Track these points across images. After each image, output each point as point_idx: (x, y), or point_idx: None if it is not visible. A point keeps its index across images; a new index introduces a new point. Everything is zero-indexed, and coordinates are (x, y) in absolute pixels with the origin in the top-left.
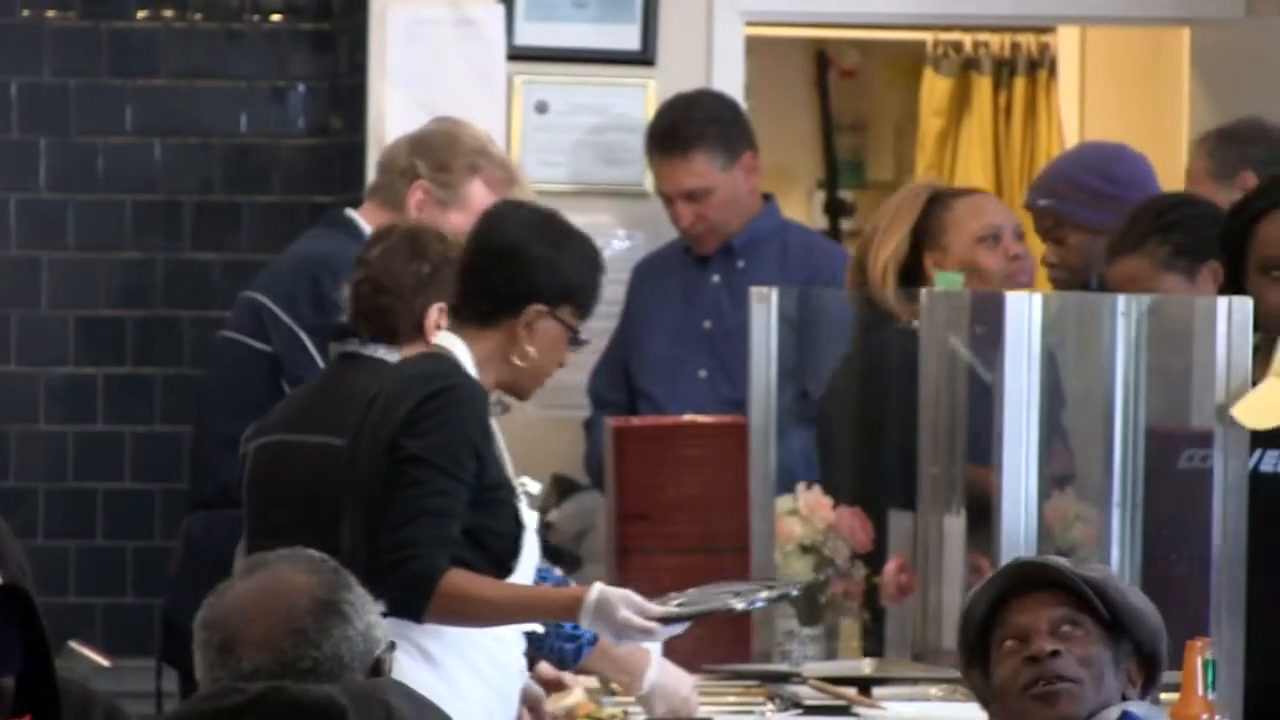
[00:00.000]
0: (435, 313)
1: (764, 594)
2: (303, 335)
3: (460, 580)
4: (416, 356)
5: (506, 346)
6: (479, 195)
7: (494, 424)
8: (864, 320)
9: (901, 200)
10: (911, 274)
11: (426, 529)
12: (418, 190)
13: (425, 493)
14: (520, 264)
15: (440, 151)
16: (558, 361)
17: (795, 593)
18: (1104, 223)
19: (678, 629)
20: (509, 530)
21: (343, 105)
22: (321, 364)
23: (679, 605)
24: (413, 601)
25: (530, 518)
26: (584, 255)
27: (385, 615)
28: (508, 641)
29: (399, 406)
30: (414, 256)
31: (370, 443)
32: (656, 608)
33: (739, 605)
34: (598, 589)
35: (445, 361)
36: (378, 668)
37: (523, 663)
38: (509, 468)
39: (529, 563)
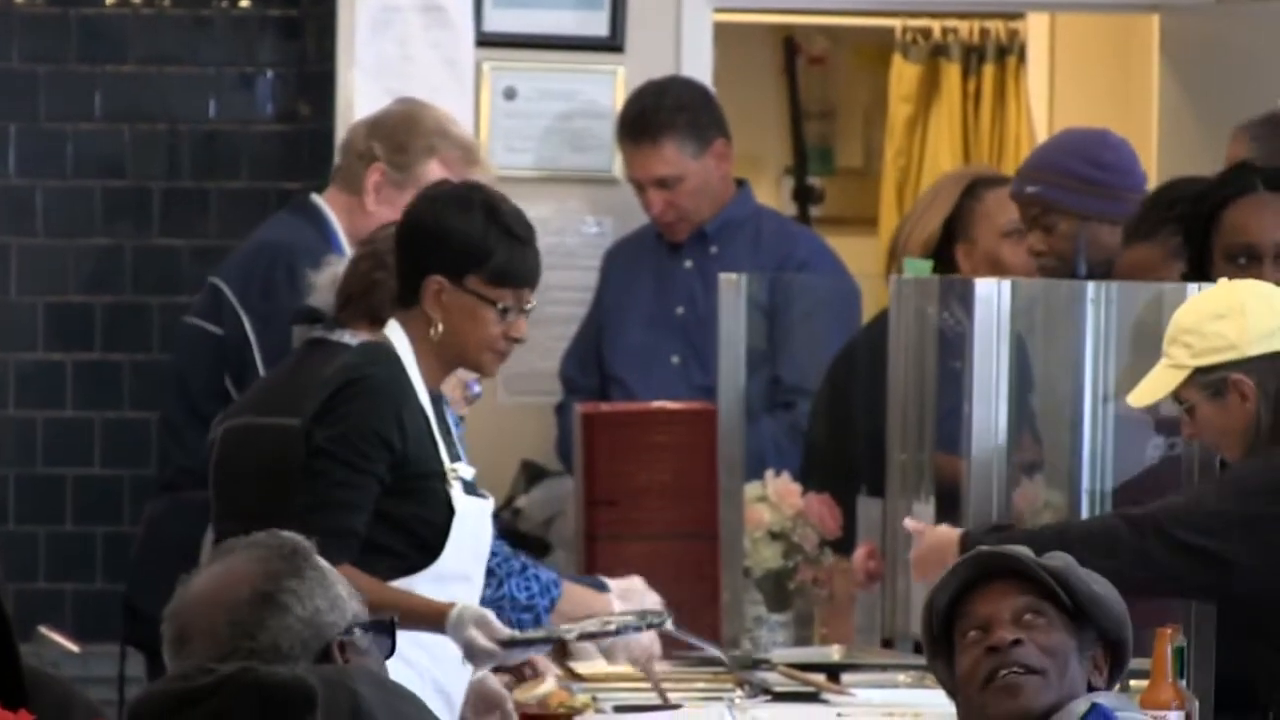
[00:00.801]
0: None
1: (616, 623)
2: (246, 322)
3: (349, 580)
4: (356, 345)
5: (423, 327)
6: (435, 176)
7: (448, 412)
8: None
9: (940, 187)
10: (944, 262)
11: (321, 521)
12: (374, 173)
13: (325, 484)
14: (413, 240)
15: (398, 133)
16: (488, 334)
17: (649, 626)
18: (1092, 209)
19: (521, 654)
20: (438, 517)
21: (311, 92)
22: (259, 351)
23: (523, 635)
24: None
25: (465, 502)
26: (484, 221)
27: None
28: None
29: (318, 396)
30: None
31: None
32: (505, 631)
33: (571, 634)
34: (458, 608)
35: (374, 351)
36: (328, 652)
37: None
38: (444, 454)
39: (465, 547)
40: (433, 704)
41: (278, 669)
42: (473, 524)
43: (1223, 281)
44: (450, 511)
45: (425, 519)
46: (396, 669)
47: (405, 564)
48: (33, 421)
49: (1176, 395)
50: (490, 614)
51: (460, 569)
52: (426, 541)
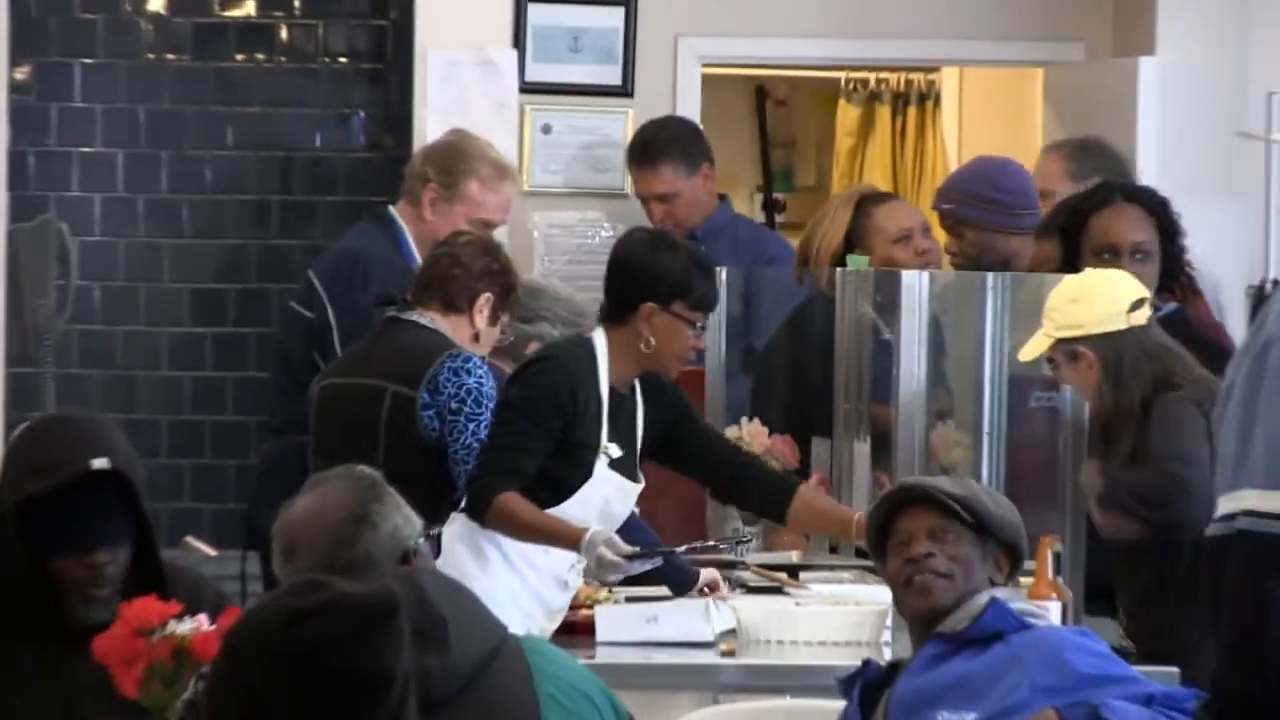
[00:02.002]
0: (483, 300)
1: (701, 544)
2: (329, 309)
3: (509, 503)
4: (561, 335)
5: (634, 339)
6: (475, 192)
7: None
8: (806, 294)
9: (837, 205)
10: (844, 263)
11: (495, 458)
12: (429, 191)
13: (508, 431)
14: (629, 272)
15: (445, 159)
16: (684, 346)
17: (723, 547)
18: (991, 223)
19: (638, 566)
20: (577, 477)
21: (393, 128)
22: (338, 333)
23: (642, 550)
24: (474, 511)
25: (604, 473)
26: (680, 259)
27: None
28: (555, 553)
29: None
30: (487, 254)
31: None
32: (627, 548)
33: (679, 550)
34: (592, 530)
35: (574, 341)
36: (406, 558)
37: (570, 574)
38: (604, 433)
39: (591, 506)
40: (533, 608)
41: (370, 590)
42: (605, 491)
43: (1086, 270)
44: (588, 476)
45: (566, 475)
46: (511, 582)
47: (538, 501)
48: (180, 379)
49: (1048, 356)
50: (615, 536)
51: (584, 521)
52: (559, 491)
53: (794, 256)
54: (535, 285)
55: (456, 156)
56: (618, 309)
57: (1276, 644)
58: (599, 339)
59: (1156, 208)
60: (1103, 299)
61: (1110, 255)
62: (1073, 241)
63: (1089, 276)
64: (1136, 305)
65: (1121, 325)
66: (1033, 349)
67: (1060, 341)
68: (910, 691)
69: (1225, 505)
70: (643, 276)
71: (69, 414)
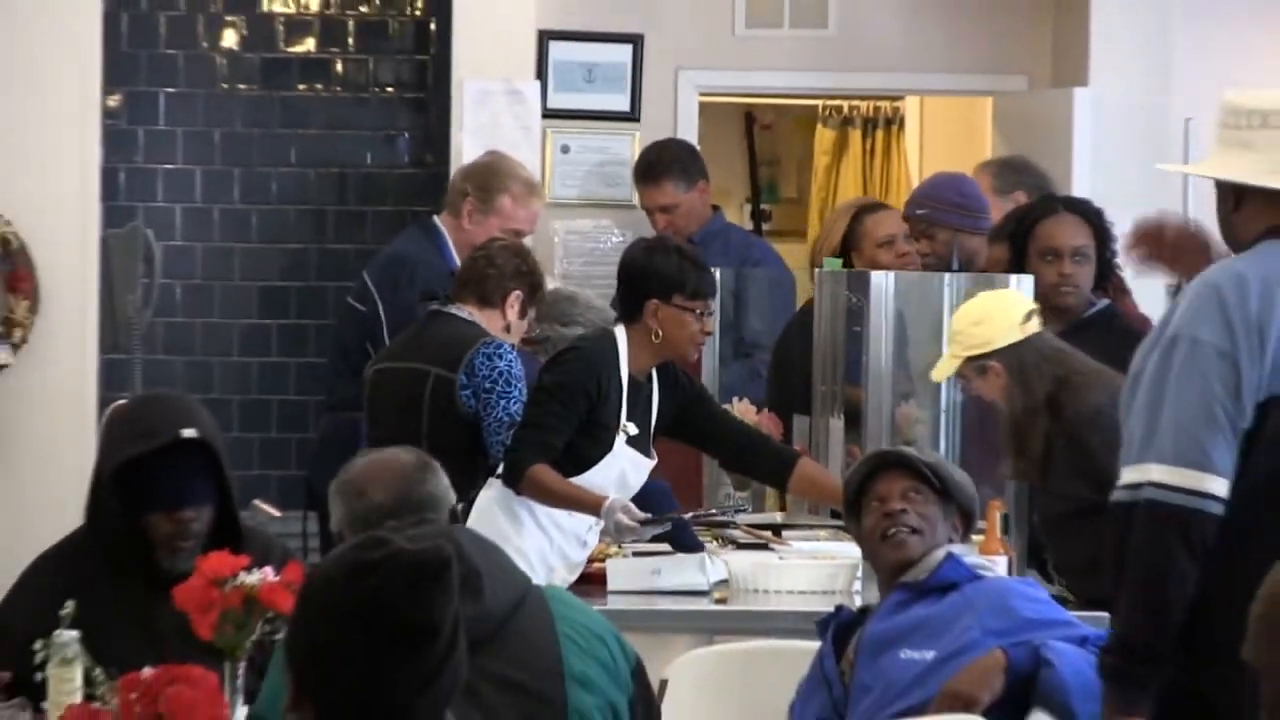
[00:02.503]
0: (514, 296)
1: (703, 511)
2: (380, 305)
3: (540, 474)
4: (590, 330)
5: (646, 333)
6: (508, 206)
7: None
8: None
9: (837, 214)
10: (847, 264)
11: (529, 434)
12: (467, 204)
13: (542, 410)
14: (631, 278)
15: (481, 177)
16: (692, 332)
17: (716, 512)
18: (959, 224)
19: (652, 530)
20: (599, 452)
21: (433, 148)
22: (386, 325)
23: (654, 516)
24: (509, 480)
25: (622, 449)
26: (673, 259)
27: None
28: (579, 516)
29: (559, 353)
30: (518, 257)
31: None
32: (641, 515)
33: (686, 516)
34: (611, 498)
35: (600, 335)
36: (453, 515)
37: (589, 534)
38: (624, 415)
39: (609, 478)
40: (556, 563)
41: (422, 548)
42: (622, 464)
43: (980, 294)
44: (609, 451)
45: (589, 450)
46: (540, 541)
47: (564, 472)
48: (249, 365)
49: (958, 373)
50: (631, 504)
51: (603, 490)
52: (581, 464)
53: (778, 259)
54: (572, 294)
55: (492, 175)
56: (628, 309)
57: (1174, 599)
58: (620, 334)
59: (1093, 216)
60: (1001, 316)
61: (1053, 257)
62: (1019, 246)
63: (985, 299)
64: (1028, 316)
65: (1019, 336)
66: (944, 369)
67: (969, 359)
68: (877, 633)
69: (1130, 475)
70: (643, 278)
71: (162, 392)
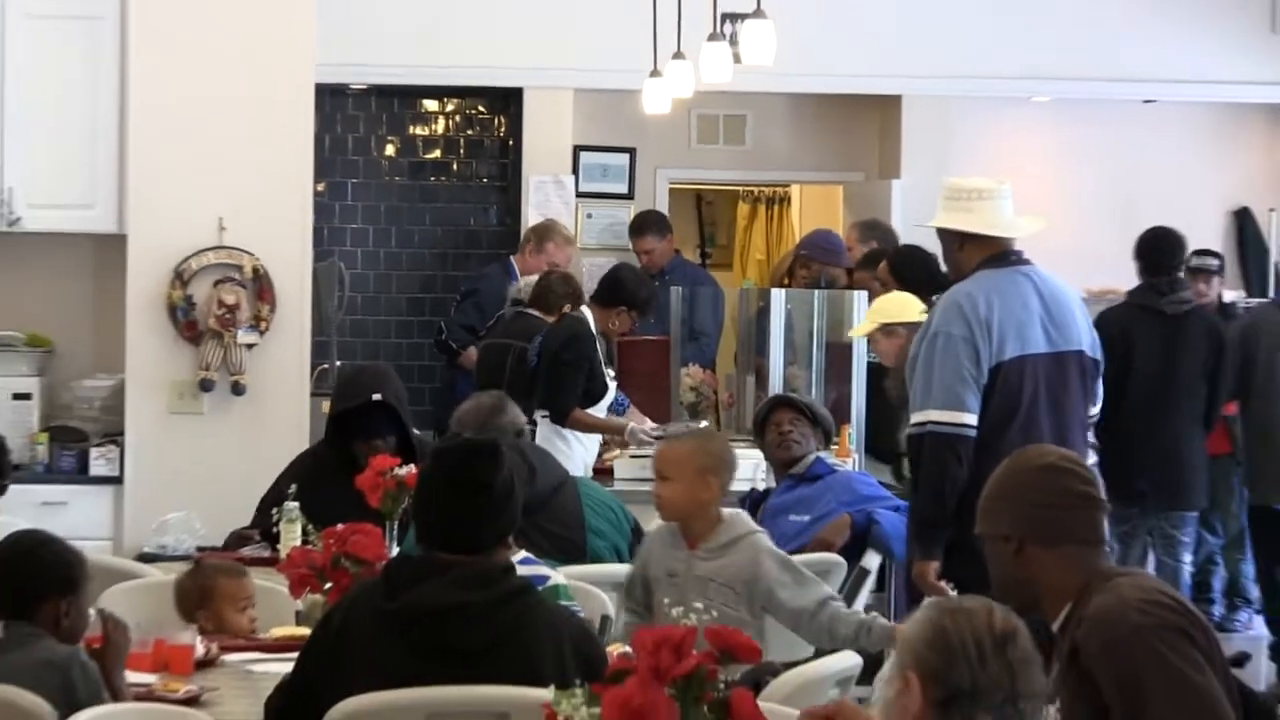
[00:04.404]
0: (565, 305)
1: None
2: (458, 321)
3: (578, 414)
4: (574, 315)
5: (605, 321)
6: (553, 250)
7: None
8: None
9: (785, 258)
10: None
11: (562, 392)
12: (529, 248)
13: (565, 376)
14: (613, 283)
15: (537, 232)
16: (626, 329)
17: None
18: (824, 260)
19: (652, 444)
20: (597, 393)
21: (510, 215)
22: (466, 332)
23: (663, 429)
24: (556, 418)
25: (610, 391)
26: (634, 285)
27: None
28: (596, 437)
29: (555, 335)
30: (566, 282)
31: None
32: (651, 432)
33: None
34: (631, 424)
35: (579, 320)
36: (519, 432)
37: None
38: (610, 373)
39: (604, 403)
40: (586, 463)
41: (478, 438)
42: (610, 397)
43: (890, 294)
44: (605, 390)
45: (596, 390)
46: (579, 450)
47: (581, 405)
48: (400, 344)
49: (870, 335)
50: (644, 427)
51: (601, 412)
52: (593, 398)
53: (714, 281)
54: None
55: (545, 231)
56: (602, 302)
57: (949, 490)
58: (588, 314)
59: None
60: (911, 305)
61: (883, 286)
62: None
63: (900, 295)
64: (925, 311)
65: (917, 318)
66: (862, 330)
67: (882, 326)
68: (775, 505)
69: (918, 417)
70: (622, 289)
71: (369, 365)
